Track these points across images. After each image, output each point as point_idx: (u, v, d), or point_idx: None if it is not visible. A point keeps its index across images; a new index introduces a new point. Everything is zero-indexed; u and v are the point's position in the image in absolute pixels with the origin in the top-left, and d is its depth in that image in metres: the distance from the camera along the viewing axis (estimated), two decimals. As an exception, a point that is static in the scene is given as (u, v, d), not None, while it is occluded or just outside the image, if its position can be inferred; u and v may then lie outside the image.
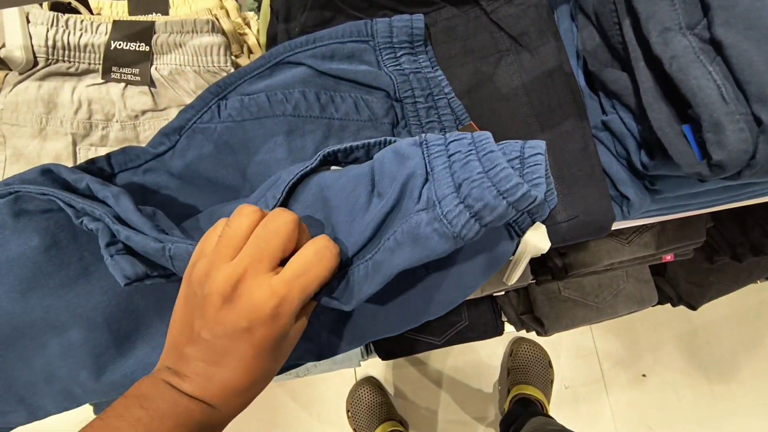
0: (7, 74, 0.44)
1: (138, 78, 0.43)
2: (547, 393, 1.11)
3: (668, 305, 0.95)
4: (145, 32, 0.42)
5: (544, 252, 0.35)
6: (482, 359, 1.18)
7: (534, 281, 0.79)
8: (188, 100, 0.43)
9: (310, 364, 0.86)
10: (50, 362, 0.36)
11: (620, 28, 0.36)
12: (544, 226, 0.35)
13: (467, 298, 0.82)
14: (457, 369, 1.18)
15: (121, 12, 0.48)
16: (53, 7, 0.44)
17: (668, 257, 0.75)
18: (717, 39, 0.28)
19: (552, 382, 1.14)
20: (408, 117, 0.37)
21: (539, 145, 0.29)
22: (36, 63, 0.42)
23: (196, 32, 0.41)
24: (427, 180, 0.28)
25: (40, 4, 0.42)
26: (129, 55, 0.42)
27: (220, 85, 0.40)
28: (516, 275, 0.38)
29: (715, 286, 0.85)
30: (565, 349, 1.19)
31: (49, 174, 0.34)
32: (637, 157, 0.37)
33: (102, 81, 0.43)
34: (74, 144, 0.43)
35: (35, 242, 0.33)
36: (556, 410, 1.10)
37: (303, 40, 0.38)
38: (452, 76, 0.41)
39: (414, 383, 1.17)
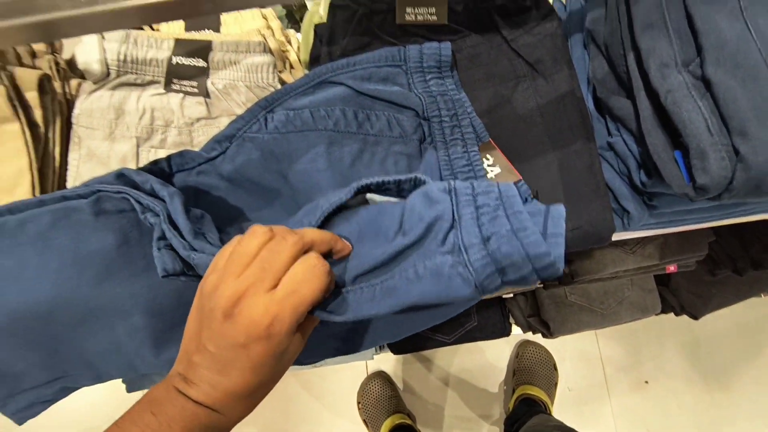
0: (80, 83, 0.50)
1: (195, 90, 0.48)
2: (551, 394, 1.15)
3: (671, 315, 0.99)
4: (204, 50, 0.48)
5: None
6: (488, 360, 1.23)
7: (541, 286, 0.84)
8: (239, 111, 0.48)
9: (326, 355, 0.92)
10: (117, 339, 0.42)
11: (626, 59, 0.41)
12: None
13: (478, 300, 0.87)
14: (464, 368, 1.22)
15: (178, 28, 0.54)
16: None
17: (671, 268, 0.79)
18: (707, 77, 0.33)
19: (556, 384, 1.18)
20: (434, 134, 0.42)
21: (561, 212, 0.31)
22: (108, 74, 0.48)
23: (249, 52, 0.47)
24: (453, 226, 0.29)
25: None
26: (188, 69, 0.48)
27: (268, 99, 0.45)
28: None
29: (717, 298, 0.88)
30: (570, 353, 1.22)
31: (122, 177, 0.40)
32: (637, 176, 0.42)
33: (163, 91, 0.49)
34: (137, 146, 0.49)
35: (110, 240, 0.39)
36: (559, 411, 1.14)
37: (344, 62, 0.43)
38: (474, 98, 0.46)
39: (422, 379, 1.21)
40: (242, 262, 0.28)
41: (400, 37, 0.46)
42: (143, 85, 0.49)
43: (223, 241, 0.33)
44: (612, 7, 0.41)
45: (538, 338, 1.19)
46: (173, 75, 0.48)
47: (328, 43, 0.46)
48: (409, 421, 1.13)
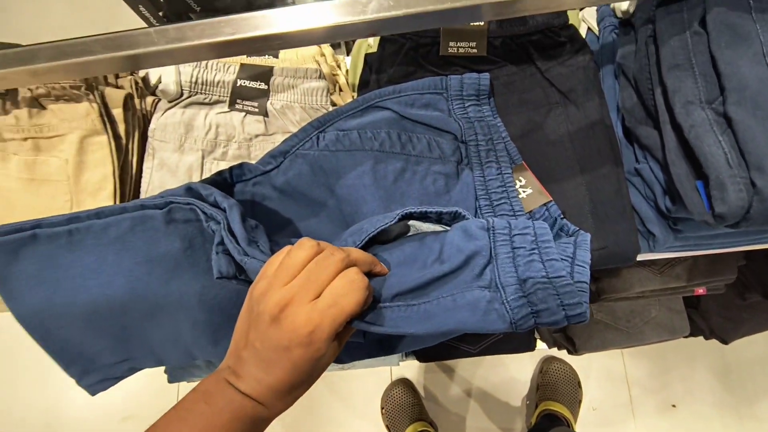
0: (155, 101, 0.57)
1: (256, 109, 0.54)
2: (575, 412, 1.15)
3: (701, 338, 0.98)
4: (266, 74, 0.54)
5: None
6: (512, 373, 1.24)
7: (568, 301, 0.85)
8: (293, 129, 0.54)
9: (355, 358, 0.96)
10: (179, 330, 0.47)
11: (653, 93, 0.44)
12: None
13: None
14: (487, 380, 1.24)
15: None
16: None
17: (700, 290, 0.79)
18: (729, 115, 0.36)
19: (580, 402, 1.17)
20: (471, 156, 0.46)
21: (588, 243, 0.34)
22: (182, 94, 0.54)
23: (306, 78, 0.52)
24: (490, 262, 0.32)
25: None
26: (251, 91, 0.54)
27: (320, 120, 0.50)
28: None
29: (749, 323, 0.87)
30: (595, 371, 1.22)
31: (190, 190, 0.45)
32: (663, 202, 0.44)
33: (228, 110, 0.55)
34: (203, 158, 0.55)
35: (177, 245, 0.44)
36: (581, 430, 1.14)
37: (390, 89, 0.48)
38: (508, 122, 0.50)
39: (445, 389, 1.23)
40: (290, 273, 0.31)
41: (442, 67, 0.50)
42: (210, 104, 0.55)
43: (272, 250, 0.37)
44: (642, 45, 0.44)
45: (562, 355, 1.19)
46: (237, 96, 0.54)
47: (376, 71, 0.50)
48: (431, 430, 1.15)
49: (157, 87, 0.58)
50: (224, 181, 0.50)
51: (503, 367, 1.24)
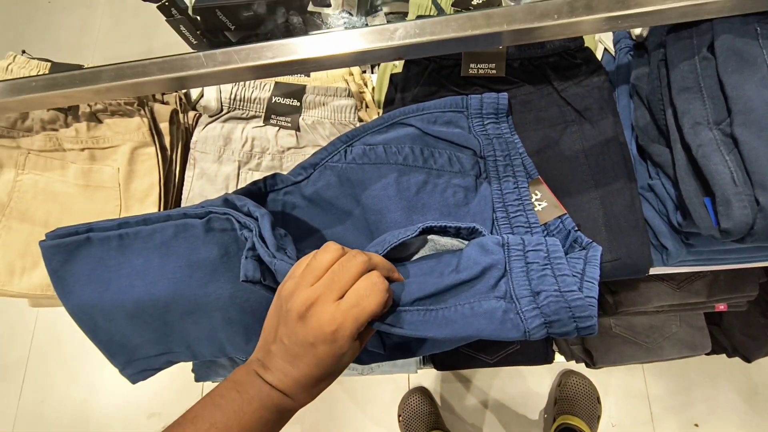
0: (197, 115, 0.62)
1: (289, 124, 0.58)
2: (593, 427, 1.14)
3: (725, 356, 0.97)
4: (299, 92, 0.58)
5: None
6: (529, 386, 1.24)
7: (585, 314, 0.86)
8: (323, 143, 0.58)
9: (373, 364, 0.98)
10: (215, 328, 0.51)
11: (665, 114, 0.46)
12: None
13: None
14: (504, 391, 1.24)
15: (275, 72, 0.65)
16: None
17: (721, 307, 0.79)
18: (735, 136, 0.38)
19: (599, 417, 1.16)
20: (489, 170, 0.49)
21: (598, 258, 0.36)
22: (222, 110, 0.59)
23: (336, 96, 0.56)
24: (504, 275, 0.34)
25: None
26: (285, 107, 0.58)
27: (348, 135, 0.54)
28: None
29: (773, 341, 0.86)
30: (615, 387, 1.21)
31: (226, 201, 0.50)
32: (674, 216, 0.46)
33: (263, 125, 0.59)
34: (239, 168, 0.59)
35: (215, 252, 0.48)
36: (600, 446, 1.13)
37: (414, 107, 0.51)
38: (525, 138, 0.52)
39: (462, 399, 1.24)
40: (316, 274, 0.33)
41: (463, 87, 0.53)
42: (247, 118, 0.60)
43: (298, 257, 0.39)
44: (653, 67, 0.46)
45: (581, 369, 1.19)
46: (272, 111, 0.59)
47: (401, 90, 0.54)
48: (447, 438, 1.16)
49: (198, 102, 0.63)
50: (258, 191, 0.54)
51: (520, 378, 1.24)
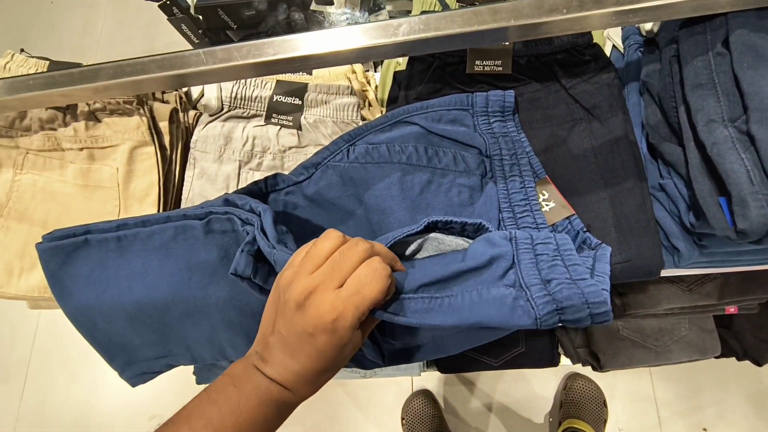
0: (198, 114, 0.61)
1: (291, 123, 0.57)
2: (600, 431, 1.13)
3: (734, 360, 0.95)
4: (300, 91, 0.57)
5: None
6: (534, 389, 1.22)
7: (592, 317, 0.85)
8: (325, 142, 0.57)
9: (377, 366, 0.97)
10: (215, 330, 0.50)
11: (677, 111, 0.44)
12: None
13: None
14: (508, 395, 1.22)
15: (277, 70, 0.64)
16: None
17: (731, 309, 0.78)
18: (751, 133, 0.36)
19: (605, 421, 1.15)
20: (495, 170, 0.48)
21: (608, 256, 0.35)
22: (222, 108, 0.58)
23: (338, 94, 0.55)
24: (512, 266, 0.33)
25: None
26: (286, 106, 0.57)
27: (351, 134, 0.53)
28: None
29: (784, 345, 0.85)
30: (622, 391, 1.19)
31: (227, 201, 0.49)
32: (687, 217, 0.45)
33: (264, 123, 0.58)
34: (239, 168, 0.58)
35: (215, 254, 0.47)
36: (607, 450, 1.11)
37: (418, 105, 0.50)
38: (532, 137, 0.51)
39: (466, 402, 1.23)
40: (315, 262, 0.31)
41: (468, 84, 0.52)
42: (248, 117, 0.59)
43: None
44: (665, 64, 0.45)
45: (587, 372, 1.17)
46: (273, 110, 0.58)
47: (405, 88, 0.53)
48: (451, 442, 1.15)
49: (198, 101, 0.62)
50: (259, 191, 0.53)
51: (525, 382, 1.23)
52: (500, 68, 0.51)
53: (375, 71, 0.66)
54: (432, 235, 0.41)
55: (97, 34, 1.71)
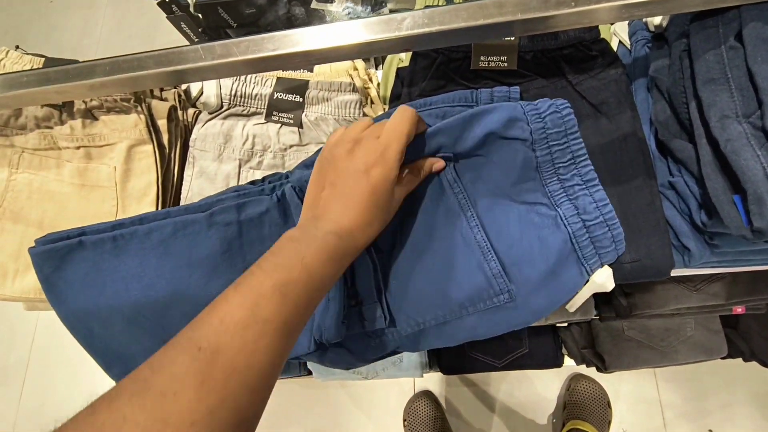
0: (197, 112, 0.60)
1: (292, 121, 0.56)
2: (604, 433, 1.11)
3: (740, 361, 0.94)
4: (301, 88, 0.56)
5: (608, 290, 0.43)
6: (537, 390, 1.21)
7: (597, 317, 0.84)
8: (325, 140, 0.56)
9: (379, 368, 0.96)
10: None
11: (688, 107, 0.43)
12: (610, 270, 0.42)
13: (530, 326, 0.88)
14: (511, 396, 1.21)
15: (277, 67, 0.63)
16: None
17: (739, 309, 0.76)
18: (767, 129, 0.35)
19: (610, 423, 1.14)
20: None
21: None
22: (222, 106, 0.57)
23: (340, 91, 0.54)
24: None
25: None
26: (287, 103, 0.56)
27: (353, 131, 0.52)
28: (576, 305, 0.46)
29: (793, 345, 0.83)
30: (626, 392, 1.18)
31: (237, 190, 0.48)
32: (698, 216, 0.43)
33: (264, 121, 0.57)
34: (239, 167, 0.57)
35: (217, 247, 0.46)
36: (612, 452, 1.10)
37: (421, 102, 0.49)
38: (538, 135, 0.50)
39: (468, 403, 1.22)
40: (356, 129, 0.38)
41: (472, 81, 0.51)
42: (248, 115, 0.58)
43: None
44: (675, 58, 0.44)
45: (591, 373, 1.16)
46: (273, 108, 0.57)
47: (408, 85, 0.52)
48: (454, 444, 1.14)
49: (198, 99, 0.61)
50: (259, 189, 0.52)
51: (528, 383, 1.21)
52: (505, 64, 0.50)
53: (377, 69, 0.65)
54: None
55: (96, 34, 1.70)
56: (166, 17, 0.83)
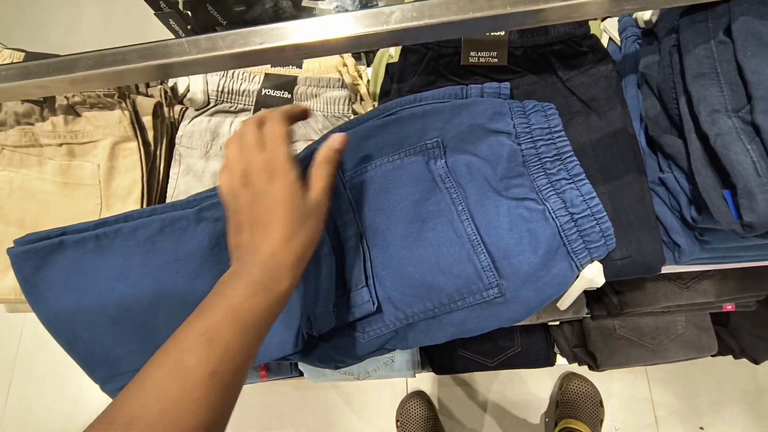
0: (183, 109, 0.59)
1: (280, 118, 0.55)
2: (596, 431, 1.11)
3: (731, 358, 0.94)
4: (289, 84, 0.55)
5: (598, 286, 0.43)
6: (529, 389, 1.21)
7: (589, 315, 0.84)
8: (315, 137, 0.55)
9: (371, 368, 0.95)
10: None
11: (677, 102, 0.43)
12: (600, 265, 0.42)
13: (522, 324, 0.88)
14: (504, 396, 1.21)
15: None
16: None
17: (729, 307, 0.77)
18: (757, 123, 0.35)
19: (602, 421, 1.14)
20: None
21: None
22: (209, 103, 0.56)
23: (329, 87, 0.53)
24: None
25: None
26: (275, 100, 0.55)
27: (341, 128, 0.51)
28: (568, 302, 0.46)
29: (782, 342, 0.84)
30: (618, 390, 1.18)
31: None
32: (688, 212, 0.43)
33: (252, 118, 0.56)
34: (227, 164, 0.56)
35: (205, 243, 0.45)
36: (604, 451, 1.10)
37: (411, 98, 0.48)
38: (529, 131, 0.49)
39: (461, 403, 1.21)
40: (233, 161, 0.36)
41: (463, 77, 0.51)
42: (236, 112, 0.57)
43: None
44: (665, 54, 0.44)
45: (583, 371, 1.16)
46: (261, 104, 0.56)
47: (398, 81, 0.51)
48: (447, 444, 1.13)
49: (184, 96, 0.60)
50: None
51: (521, 382, 1.21)
52: (495, 60, 0.50)
53: (367, 66, 0.64)
54: None
55: (83, 32, 1.68)
56: (154, 14, 0.81)
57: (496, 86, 0.48)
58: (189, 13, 0.84)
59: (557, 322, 0.91)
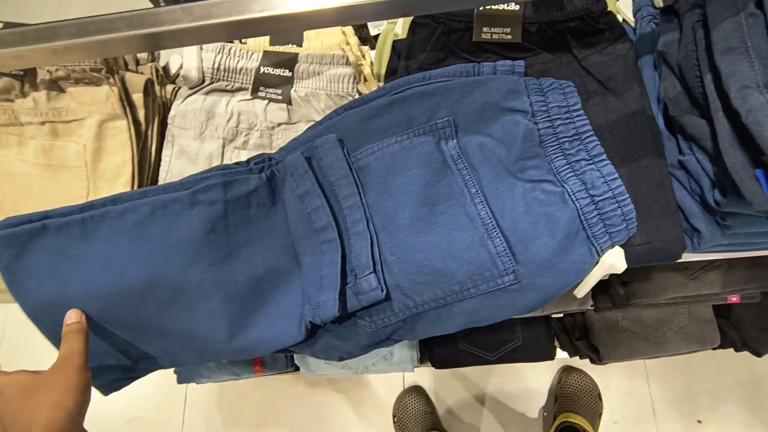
0: (176, 89, 0.55)
1: (280, 97, 0.52)
2: (595, 425, 1.11)
3: (730, 350, 0.94)
4: (290, 61, 0.52)
5: (619, 272, 0.40)
6: (528, 383, 1.20)
7: (593, 308, 0.82)
8: (317, 118, 0.52)
9: (369, 362, 0.93)
10: (195, 325, 0.45)
11: (701, 81, 0.41)
12: (622, 250, 0.40)
13: (524, 316, 0.86)
14: (502, 390, 1.20)
15: (264, 42, 0.59)
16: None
17: (734, 298, 0.76)
18: (792, 99, 0.33)
19: (600, 415, 1.13)
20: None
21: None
22: (203, 81, 0.53)
23: (333, 64, 0.50)
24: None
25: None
26: (274, 78, 0.52)
27: (345, 107, 0.48)
28: (586, 289, 0.44)
29: (785, 334, 0.83)
30: (616, 383, 1.18)
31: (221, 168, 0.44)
32: (711, 195, 0.41)
33: (250, 97, 0.53)
34: (223, 146, 0.53)
35: (199, 228, 0.42)
36: (603, 444, 1.09)
37: (420, 76, 0.46)
38: (542, 112, 0.47)
39: (460, 398, 1.20)
40: None
41: (474, 54, 0.48)
42: (232, 91, 0.54)
43: None
44: (687, 30, 0.42)
45: (581, 365, 1.15)
46: (260, 83, 0.53)
47: (406, 58, 0.49)
48: (445, 439, 1.12)
49: (177, 76, 0.57)
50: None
51: (519, 376, 1.20)
52: (509, 36, 0.47)
53: (371, 48, 0.62)
54: None
55: (69, 12, 1.62)
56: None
57: (510, 64, 0.45)
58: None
59: (560, 315, 0.90)
